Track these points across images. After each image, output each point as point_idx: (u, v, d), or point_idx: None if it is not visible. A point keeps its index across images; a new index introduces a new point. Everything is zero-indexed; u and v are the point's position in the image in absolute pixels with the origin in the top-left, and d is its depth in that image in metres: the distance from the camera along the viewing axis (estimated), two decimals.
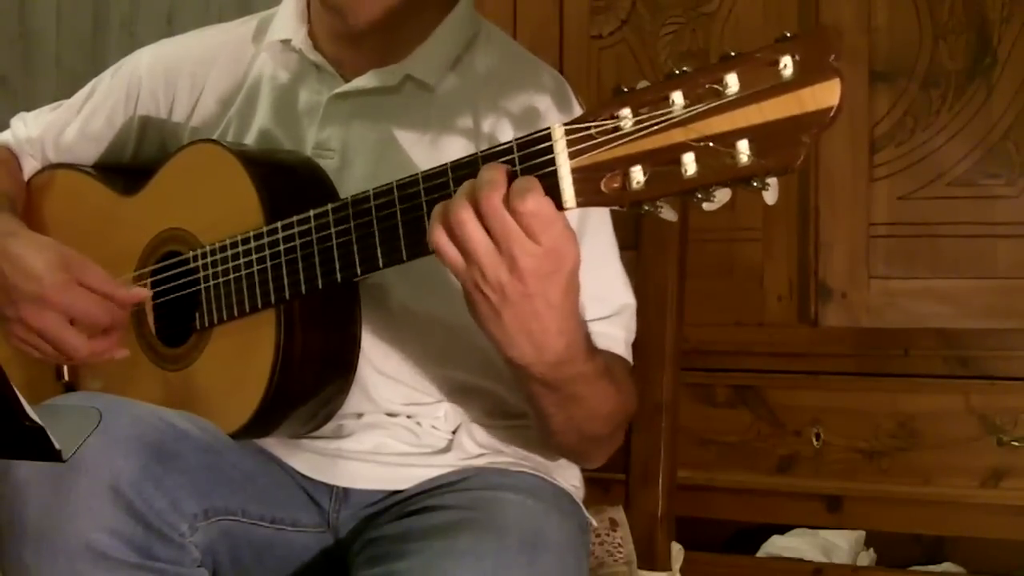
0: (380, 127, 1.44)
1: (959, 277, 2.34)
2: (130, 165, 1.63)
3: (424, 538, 1.25)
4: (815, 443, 2.37)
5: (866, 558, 2.46)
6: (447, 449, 1.43)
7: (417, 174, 1.19)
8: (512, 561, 1.20)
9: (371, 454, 1.41)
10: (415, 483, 1.39)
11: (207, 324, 1.40)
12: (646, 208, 1.05)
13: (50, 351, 1.46)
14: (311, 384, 1.37)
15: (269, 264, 1.32)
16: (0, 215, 1.54)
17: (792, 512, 2.45)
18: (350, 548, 1.38)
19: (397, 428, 1.43)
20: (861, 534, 2.46)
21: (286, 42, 1.51)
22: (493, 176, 1.10)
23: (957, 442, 2.27)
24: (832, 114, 0.96)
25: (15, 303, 1.45)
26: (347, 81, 1.47)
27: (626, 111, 1.04)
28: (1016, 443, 2.23)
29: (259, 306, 1.34)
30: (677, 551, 1.64)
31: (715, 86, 0.99)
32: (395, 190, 1.21)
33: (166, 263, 1.45)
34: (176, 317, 1.45)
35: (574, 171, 1.07)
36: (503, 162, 1.11)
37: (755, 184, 0.99)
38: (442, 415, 1.44)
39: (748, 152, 0.98)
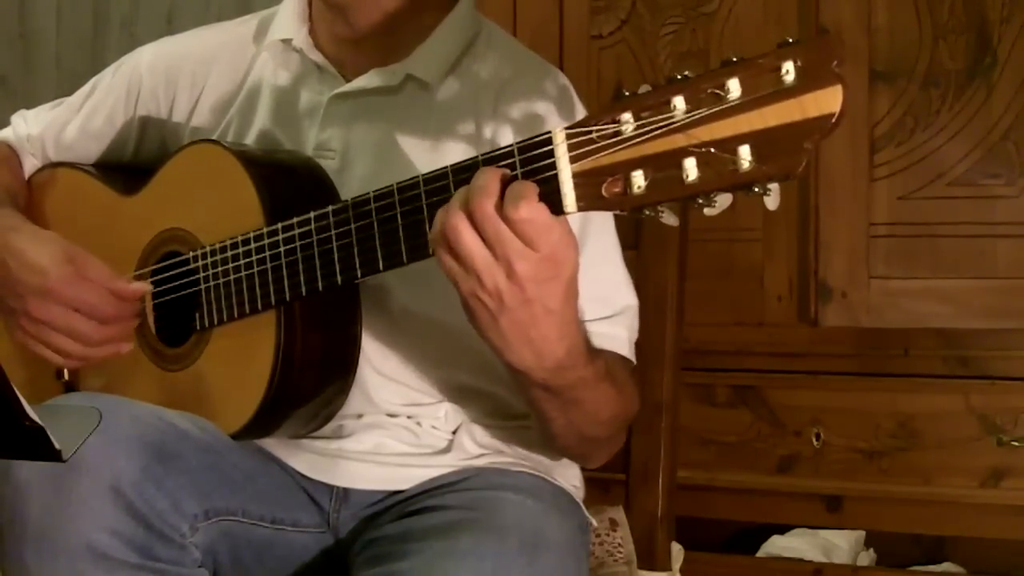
0: (381, 127, 1.44)
1: (959, 277, 2.34)
2: (131, 164, 1.63)
3: (424, 538, 1.25)
4: (815, 443, 2.37)
5: (866, 558, 2.46)
6: (447, 449, 1.43)
7: (418, 177, 1.19)
8: (512, 561, 1.20)
9: (371, 454, 1.41)
10: (415, 483, 1.39)
11: (207, 324, 1.40)
12: (647, 213, 1.05)
13: (56, 344, 1.45)
14: (311, 385, 1.37)
15: (269, 265, 1.32)
16: (2, 210, 1.54)
17: (792, 512, 2.45)
18: (350, 548, 1.38)
19: (397, 428, 1.43)
20: (861, 534, 2.46)
21: (287, 42, 1.51)
22: (485, 182, 1.10)
23: (957, 442, 2.27)
24: (834, 121, 0.96)
25: (21, 296, 1.45)
26: (348, 81, 1.47)
27: (627, 115, 1.04)
28: (1016, 443, 2.23)
29: (259, 307, 1.34)
30: (677, 551, 1.64)
31: (717, 91, 0.99)
32: (395, 192, 1.20)
33: (166, 263, 1.45)
34: (176, 317, 1.45)
35: (575, 175, 1.07)
36: (504, 165, 1.11)
37: (756, 190, 0.99)
38: (442, 415, 1.44)
39: (749, 158, 0.98)
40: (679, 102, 1.01)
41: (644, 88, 1.04)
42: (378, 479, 1.40)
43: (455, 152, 1.37)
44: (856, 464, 2.34)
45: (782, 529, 2.49)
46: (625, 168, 1.04)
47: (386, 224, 1.21)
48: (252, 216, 1.35)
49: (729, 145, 0.98)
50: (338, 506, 1.41)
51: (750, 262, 2.48)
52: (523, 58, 1.50)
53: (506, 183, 1.10)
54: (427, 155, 1.39)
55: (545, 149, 1.09)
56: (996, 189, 2.33)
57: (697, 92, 1.01)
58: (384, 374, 1.42)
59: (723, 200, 1.01)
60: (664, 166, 1.02)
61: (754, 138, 0.98)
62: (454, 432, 1.44)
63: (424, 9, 1.46)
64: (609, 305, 1.40)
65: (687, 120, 1.01)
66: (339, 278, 1.26)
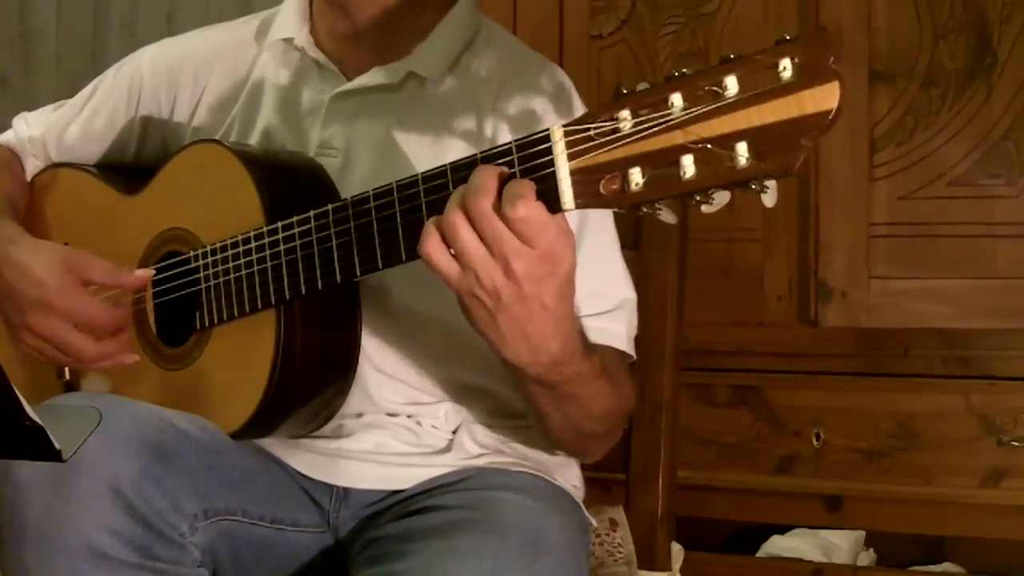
0: (383, 125, 1.44)
1: (959, 277, 2.34)
2: (133, 164, 1.63)
3: (424, 538, 1.25)
4: (815, 443, 2.37)
5: (866, 558, 2.46)
6: (447, 449, 1.43)
7: (417, 175, 1.19)
8: (512, 561, 1.20)
9: (371, 454, 1.41)
10: (415, 483, 1.39)
11: (207, 324, 1.40)
12: (644, 210, 1.05)
13: (59, 356, 1.46)
14: (311, 384, 1.37)
15: (269, 264, 1.32)
16: (1, 221, 1.54)
17: (792, 512, 2.45)
18: (350, 548, 1.38)
19: (397, 428, 1.43)
20: (861, 534, 2.46)
21: (288, 41, 1.51)
22: (482, 181, 1.10)
23: (957, 442, 2.27)
24: (831, 117, 0.96)
25: (21, 310, 1.45)
26: (349, 79, 1.47)
27: (625, 113, 1.04)
28: (1016, 443, 2.23)
29: (259, 306, 1.34)
30: (677, 551, 1.64)
31: (714, 88, 0.99)
32: (395, 191, 1.21)
33: (167, 263, 1.45)
34: (177, 316, 1.45)
35: (573, 173, 1.07)
36: (502, 163, 1.11)
37: (754, 187, 0.98)
38: (442, 415, 1.44)
39: (747, 155, 0.98)
40: (677, 99, 1.01)
41: (642, 85, 1.04)
42: (378, 479, 1.40)
43: (456, 149, 1.37)
44: (856, 464, 2.34)
45: (782, 529, 2.49)
46: (623, 165, 1.04)
47: (385, 223, 1.21)
48: (252, 216, 1.35)
49: (726, 142, 0.98)
50: (338, 506, 1.41)
51: (750, 262, 2.48)
52: (523, 56, 1.51)
53: (504, 181, 1.10)
54: (429, 152, 1.39)
55: (543, 147, 1.09)
56: (996, 189, 2.33)
57: (695, 89, 1.01)
58: (384, 373, 1.42)
59: (721, 197, 1.01)
60: (662, 163, 1.02)
61: (751, 135, 0.98)
62: (454, 432, 1.44)
63: (424, 7, 1.46)
64: (607, 300, 1.40)
65: (685, 117, 1.01)
66: (338, 277, 1.26)
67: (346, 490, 1.41)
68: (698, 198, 1.02)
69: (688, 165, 1.00)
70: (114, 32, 3.41)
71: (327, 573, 1.40)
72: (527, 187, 1.09)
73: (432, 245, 1.13)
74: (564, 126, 1.08)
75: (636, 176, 1.03)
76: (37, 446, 1.04)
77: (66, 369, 1.54)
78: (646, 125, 1.03)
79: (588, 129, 1.06)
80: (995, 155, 2.33)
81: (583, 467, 1.52)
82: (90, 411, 1.23)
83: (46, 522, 1.19)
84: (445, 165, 1.16)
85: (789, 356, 2.42)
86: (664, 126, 1.01)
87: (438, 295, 1.29)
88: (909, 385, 2.32)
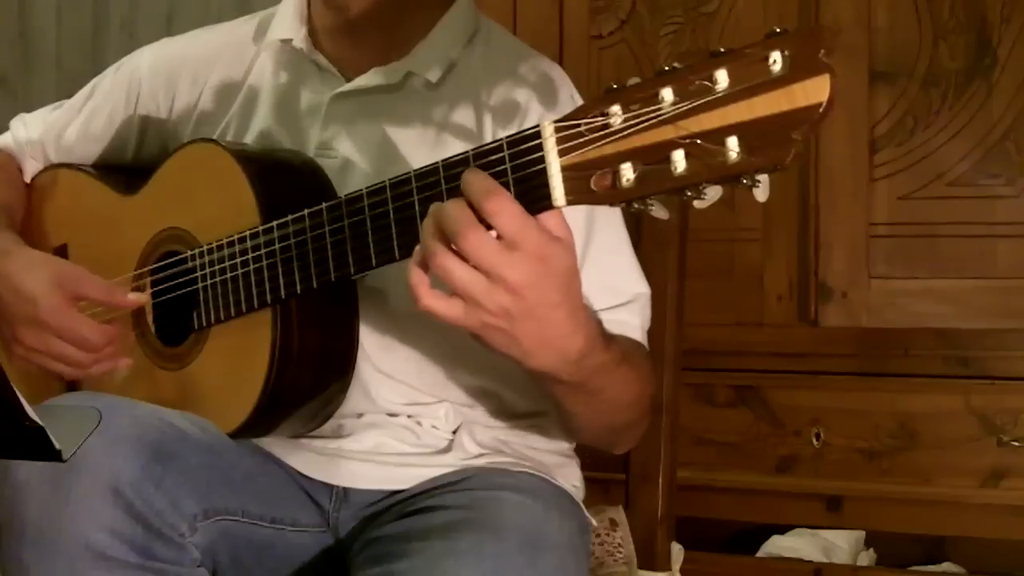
0: (382, 126, 1.44)
1: (959, 277, 2.35)
2: (132, 165, 1.63)
3: (424, 538, 1.24)
4: (815, 443, 2.37)
5: (866, 558, 2.46)
6: (447, 449, 1.43)
7: (410, 173, 1.19)
8: (512, 561, 1.20)
9: (371, 454, 1.41)
10: (415, 483, 1.39)
11: (205, 323, 1.40)
12: (636, 206, 1.04)
13: (52, 367, 1.47)
14: (309, 383, 1.37)
15: (264, 263, 1.32)
16: None
17: (792, 512, 2.45)
18: (350, 548, 1.38)
19: (397, 428, 1.43)
20: (861, 534, 2.46)
21: (286, 42, 1.51)
22: (458, 214, 1.08)
23: (957, 442, 2.28)
24: (822, 110, 0.95)
25: (11, 324, 1.46)
26: (348, 80, 1.47)
27: (616, 108, 1.03)
28: (1016, 443, 2.23)
29: (255, 305, 1.34)
30: (677, 551, 1.64)
31: (705, 82, 0.98)
32: (388, 189, 1.20)
33: (165, 263, 1.45)
34: (175, 316, 1.45)
35: (564, 169, 1.06)
36: (493, 160, 1.10)
37: (745, 181, 0.98)
38: (442, 415, 1.44)
39: (738, 149, 0.97)
40: (667, 94, 1.00)
41: (633, 80, 1.04)
42: (378, 479, 1.40)
43: (456, 148, 1.35)
44: (856, 464, 2.34)
45: (782, 529, 2.49)
46: (614, 161, 1.03)
47: (379, 220, 1.21)
48: (248, 215, 1.35)
49: (717, 136, 0.98)
50: (338, 506, 1.41)
51: (750, 262, 2.48)
52: (522, 54, 1.50)
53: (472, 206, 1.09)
54: (428, 152, 1.39)
55: (534, 143, 1.08)
56: (996, 189, 2.34)
57: (685, 84, 1.00)
58: (384, 373, 1.42)
59: (713, 192, 1.01)
60: (653, 158, 1.01)
61: (742, 129, 0.97)
62: (454, 432, 1.44)
63: (423, 7, 1.46)
64: (620, 294, 1.40)
65: (675, 112, 1.00)
66: (333, 275, 1.26)
67: (346, 490, 1.41)
68: (690, 193, 1.01)
69: (679, 160, 1.00)
70: (114, 32, 3.41)
71: (327, 573, 1.40)
72: (491, 183, 1.08)
73: (429, 299, 1.11)
74: (555, 122, 1.07)
75: (627, 172, 1.02)
76: (37, 446, 1.04)
77: None
78: (636, 120, 1.02)
79: (579, 125, 1.05)
80: (995, 155, 2.34)
81: (583, 467, 1.52)
82: (90, 411, 1.23)
83: (46, 522, 1.19)
84: (438, 162, 1.16)
85: (789, 356, 2.42)
86: (655, 121, 1.01)
87: None
88: (909, 385, 2.32)
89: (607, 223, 1.40)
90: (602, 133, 1.04)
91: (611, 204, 1.05)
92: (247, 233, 1.34)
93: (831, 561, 2.39)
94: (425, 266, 1.10)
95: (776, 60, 0.96)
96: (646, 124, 1.01)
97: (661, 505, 1.61)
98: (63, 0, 3.49)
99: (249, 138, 1.51)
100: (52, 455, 1.05)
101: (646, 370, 1.37)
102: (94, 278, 1.46)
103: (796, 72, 0.96)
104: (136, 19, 3.39)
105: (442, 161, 1.16)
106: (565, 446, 1.50)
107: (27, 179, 1.68)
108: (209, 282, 1.39)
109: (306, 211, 1.28)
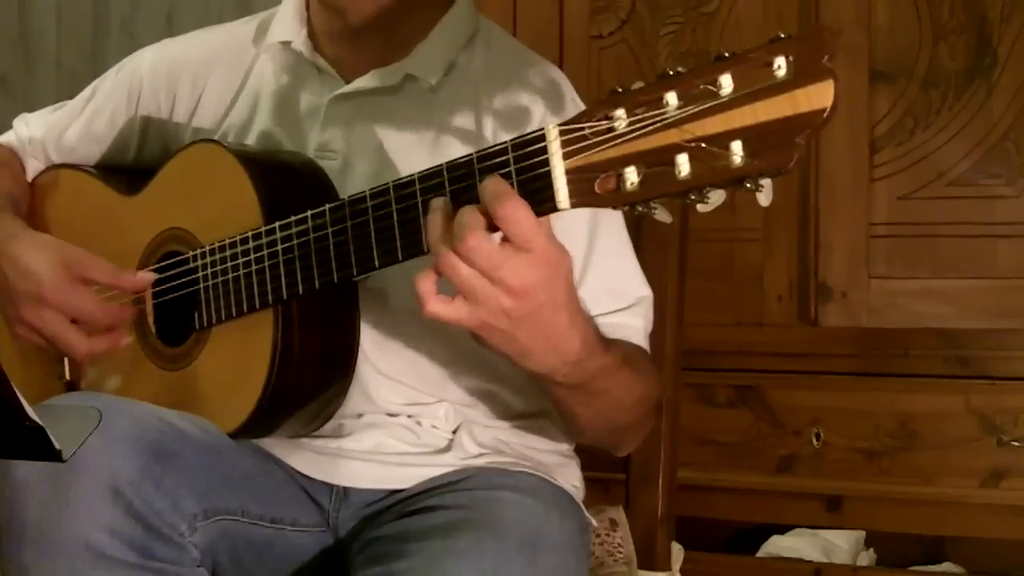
0: (382, 128, 1.44)
1: (959, 277, 2.35)
2: (133, 165, 1.63)
3: (424, 538, 1.25)
4: (815, 443, 2.37)
5: (866, 558, 2.46)
6: (447, 449, 1.43)
7: (413, 175, 1.19)
8: (512, 561, 1.20)
9: (371, 453, 1.41)
10: (415, 483, 1.39)
11: (206, 323, 1.40)
12: (640, 209, 1.05)
13: (51, 343, 1.46)
14: (309, 384, 1.37)
15: (267, 264, 1.32)
16: (2, 216, 1.55)
17: (792, 512, 2.45)
18: (350, 548, 1.38)
19: (397, 428, 1.43)
20: (861, 534, 2.46)
21: (286, 44, 1.51)
22: (469, 220, 1.09)
23: (957, 442, 2.28)
24: (826, 115, 0.95)
25: (15, 303, 1.46)
26: (347, 82, 1.47)
27: (620, 111, 1.03)
28: (1016, 443, 2.23)
29: (257, 306, 1.34)
30: (677, 551, 1.64)
31: (709, 87, 0.99)
32: (391, 190, 1.21)
33: (166, 263, 1.45)
34: (176, 316, 1.45)
35: (568, 172, 1.07)
36: (498, 163, 1.11)
37: (749, 185, 0.98)
38: (442, 415, 1.44)
39: (741, 153, 0.97)
40: (672, 98, 1.01)
41: (637, 84, 1.04)
42: (378, 478, 1.40)
43: (455, 150, 1.37)
44: (856, 464, 2.34)
45: (782, 529, 2.49)
46: (618, 164, 1.04)
47: (382, 221, 1.21)
48: (251, 216, 1.35)
49: (721, 140, 0.98)
50: (338, 505, 1.41)
51: (750, 262, 2.48)
52: (521, 55, 1.51)
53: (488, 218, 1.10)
54: (428, 154, 1.39)
55: (538, 146, 1.09)
56: (996, 189, 2.34)
57: (689, 88, 1.00)
58: (384, 373, 1.42)
59: (716, 196, 1.01)
60: (657, 162, 1.02)
61: (746, 133, 0.97)
62: (454, 431, 1.44)
63: (422, 8, 1.46)
64: (624, 297, 1.40)
65: (679, 116, 1.00)
66: (335, 276, 1.26)
67: (346, 490, 1.41)
68: (693, 197, 1.01)
69: (683, 164, 1.00)
70: (114, 32, 3.41)
71: (327, 573, 1.40)
72: (503, 185, 1.09)
73: (434, 304, 1.12)
74: (559, 125, 1.07)
75: (631, 175, 1.03)
76: (37, 446, 1.04)
77: (66, 369, 1.54)
78: (641, 124, 1.02)
79: (583, 128, 1.06)
80: (995, 155, 2.34)
81: (583, 467, 1.52)
82: (90, 411, 1.23)
83: (45, 522, 1.19)
84: (441, 164, 1.16)
85: (789, 356, 2.42)
86: (659, 125, 1.01)
87: None
88: (909, 385, 2.32)
89: (610, 227, 1.41)
90: (606, 136, 1.04)
91: (615, 207, 1.06)
92: (249, 233, 1.34)
93: (831, 561, 2.39)
94: (434, 271, 1.12)
95: (780, 65, 0.97)
96: (650, 128, 1.02)
97: (661, 505, 1.61)
98: (63, 0, 3.49)
99: (250, 140, 1.51)
100: (52, 455, 1.05)
101: (650, 373, 1.38)
102: (100, 260, 1.46)
103: (800, 77, 0.97)
104: (136, 19, 3.39)
105: (446, 163, 1.16)
106: (565, 446, 1.50)
107: (28, 179, 1.68)
108: (211, 282, 1.39)
109: (309, 212, 1.28)
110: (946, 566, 2.42)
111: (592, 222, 1.38)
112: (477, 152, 1.14)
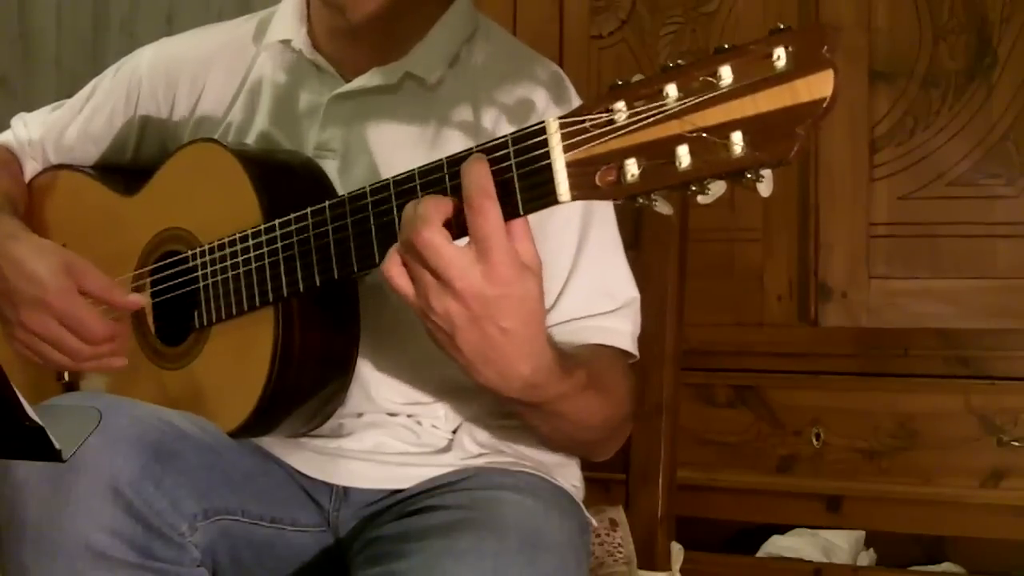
0: (381, 127, 1.44)
1: (959, 277, 2.35)
2: (131, 165, 1.63)
3: (424, 538, 1.24)
4: (815, 443, 2.37)
5: (866, 558, 2.46)
6: (447, 449, 1.43)
7: (413, 170, 1.19)
8: (512, 561, 1.20)
9: (371, 453, 1.41)
10: (415, 483, 1.39)
11: (206, 323, 1.40)
12: (640, 201, 1.05)
13: (50, 355, 1.46)
14: (310, 382, 1.37)
15: (267, 262, 1.32)
16: (1, 217, 1.54)
17: (792, 512, 2.45)
18: (350, 547, 1.38)
19: (397, 427, 1.43)
20: (861, 534, 2.46)
21: (286, 43, 1.51)
22: (424, 211, 1.10)
23: (957, 442, 2.28)
24: (826, 105, 0.95)
25: (16, 306, 1.45)
26: (347, 81, 1.47)
27: (621, 104, 1.03)
28: (1016, 443, 2.23)
29: (257, 304, 1.34)
30: (677, 551, 1.64)
31: (709, 78, 0.99)
32: (391, 186, 1.21)
33: (165, 262, 1.45)
34: (176, 316, 1.45)
35: (569, 165, 1.07)
36: (498, 156, 1.11)
37: (749, 176, 0.98)
38: (442, 415, 1.44)
39: (742, 144, 0.97)
40: (672, 90, 1.01)
41: (637, 77, 1.04)
42: (378, 478, 1.40)
43: (455, 148, 1.36)
44: (856, 464, 2.34)
45: (782, 529, 2.49)
46: (619, 156, 1.03)
47: (382, 218, 1.21)
48: (250, 215, 1.35)
49: (722, 131, 0.98)
50: (338, 505, 1.41)
51: (750, 262, 2.48)
52: (520, 53, 1.51)
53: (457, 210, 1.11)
54: (427, 152, 1.39)
55: (539, 139, 1.08)
56: (996, 189, 2.34)
57: (689, 80, 1.00)
58: (384, 373, 1.42)
59: (716, 187, 1.01)
60: (657, 154, 1.02)
61: (746, 124, 0.97)
62: (454, 431, 1.44)
63: (421, 6, 1.46)
64: (614, 299, 1.40)
65: (680, 107, 1.00)
66: (336, 273, 1.26)
67: (346, 489, 1.41)
68: (694, 188, 1.01)
69: (684, 155, 1.00)
70: (114, 32, 3.41)
71: (327, 573, 1.40)
72: (487, 182, 1.09)
73: (391, 265, 1.13)
74: (560, 118, 1.07)
75: (632, 167, 1.03)
76: (37, 446, 1.04)
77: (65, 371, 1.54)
78: (641, 116, 1.02)
79: (583, 121, 1.06)
80: (995, 155, 2.34)
81: (583, 467, 1.52)
82: (90, 411, 1.22)
83: (45, 522, 1.19)
84: (441, 160, 1.16)
85: (789, 356, 2.43)
86: (659, 117, 1.01)
87: None
88: (909, 385, 2.32)
89: (602, 225, 1.41)
90: (607, 129, 1.04)
91: (615, 199, 1.06)
92: (249, 232, 1.34)
93: (831, 561, 2.39)
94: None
95: (780, 56, 0.97)
96: (651, 120, 1.02)
97: (661, 505, 1.61)
98: (63, 0, 3.49)
99: (249, 139, 1.51)
100: (52, 455, 1.05)
101: (619, 391, 1.37)
102: (98, 273, 1.45)
103: (800, 68, 0.97)
104: (136, 19, 3.39)
105: (446, 158, 1.16)
106: None
107: (26, 180, 1.68)
108: (211, 280, 1.39)
109: (308, 210, 1.28)
110: (946, 566, 2.42)
111: (585, 219, 1.38)
112: (477, 146, 1.13)
